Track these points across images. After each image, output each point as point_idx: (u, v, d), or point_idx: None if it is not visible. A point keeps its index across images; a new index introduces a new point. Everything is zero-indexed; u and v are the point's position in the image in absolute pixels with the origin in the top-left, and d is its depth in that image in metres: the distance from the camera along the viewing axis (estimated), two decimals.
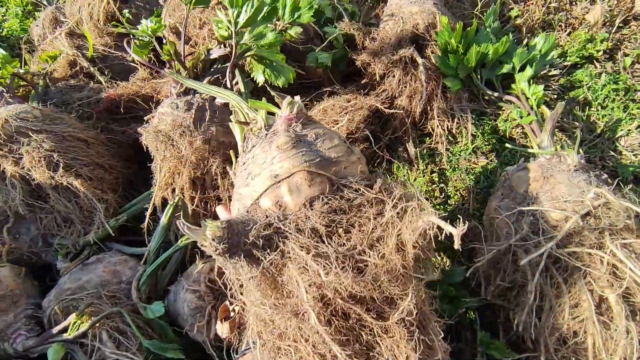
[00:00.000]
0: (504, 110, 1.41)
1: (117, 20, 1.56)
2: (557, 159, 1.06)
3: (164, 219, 1.19)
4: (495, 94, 1.39)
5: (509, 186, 1.06)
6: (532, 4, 1.63)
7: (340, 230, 0.64)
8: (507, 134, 1.37)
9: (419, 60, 1.35)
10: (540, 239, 0.89)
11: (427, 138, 1.42)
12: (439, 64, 1.37)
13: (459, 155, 1.37)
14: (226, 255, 0.59)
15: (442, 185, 1.33)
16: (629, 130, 1.32)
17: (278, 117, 0.77)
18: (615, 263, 0.82)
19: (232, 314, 0.73)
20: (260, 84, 1.21)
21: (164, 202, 1.22)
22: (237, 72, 1.19)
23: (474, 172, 1.33)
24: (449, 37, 1.33)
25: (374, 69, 1.38)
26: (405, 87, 1.37)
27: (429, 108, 1.40)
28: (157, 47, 1.29)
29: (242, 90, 1.19)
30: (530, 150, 1.18)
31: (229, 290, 0.68)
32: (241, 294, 0.66)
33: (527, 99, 1.29)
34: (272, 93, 0.86)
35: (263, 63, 1.19)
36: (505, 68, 1.39)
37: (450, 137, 1.40)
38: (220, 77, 1.29)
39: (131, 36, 1.38)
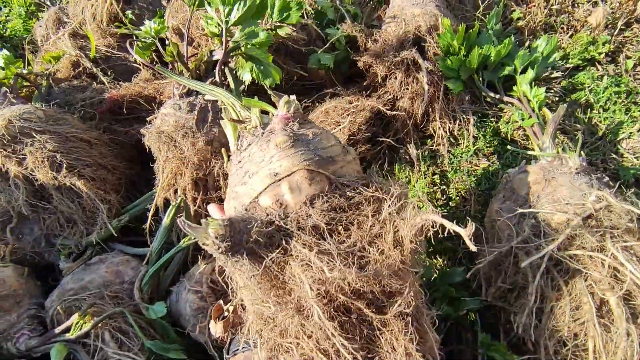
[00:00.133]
0: (505, 112, 1.41)
1: (120, 21, 1.57)
2: (559, 162, 1.06)
3: (166, 220, 1.19)
4: (497, 96, 1.39)
5: (511, 188, 1.06)
6: (534, 6, 1.63)
7: (340, 227, 0.65)
8: (509, 136, 1.37)
9: (421, 62, 1.35)
10: (542, 242, 0.89)
11: (429, 140, 1.43)
12: (441, 66, 1.37)
13: (461, 157, 1.37)
14: (228, 253, 0.59)
15: (443, 187, 1.33)
16: (630, 132, 1.32)
17: (275, 116, 0.78)
18: (616, 266, 0.82)
19: (225, 313, 0.73)
20: (247, 83, 1.20)
21: (167, 202, 1.23)
22: (227, 70, 1.18)
23: (476, 174, 1.33)
24: (451, 39, 1.34)
25: (375, 71, 1.38)
26: (407, 89, 1.37)
27: (430, 110, 1.40)
28: (160, 48, 1.30)
29: (233, 88, 1.18)
30: (531, 153, 1.18)
31: (229, 288, 0.68)
32: (240, 292, 0.66)
33: (529, 101, 1.29)
34: (270, 92, 0.86)
35: (251, 62, 1.18)
36: (507, 70, 1.40)
37: (451, 139, 1.40)
38: (223, 79, 1.30)
39: (134, 37, 1.39)
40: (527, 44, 1.51)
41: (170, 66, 1.30)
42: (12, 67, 1.38)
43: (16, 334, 1.05)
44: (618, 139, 1.32)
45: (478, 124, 1.41)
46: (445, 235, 1.22)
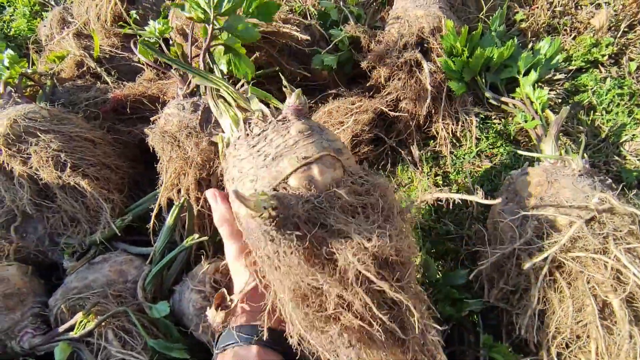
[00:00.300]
0: (508, 114, 1.41)
1: (124, 21, 1.58)
2: (562, 164, 1.07)
3: (169, 220, 1.20)
4: (500, 98, 1.39)
5: (513, 190, 1.07)
6: (538, 7, 1.63)
7: (360, 209, 0.69)
8: (511, 137, 1.38)
9: (424, 63, 1.36)
10: (544, 244, 0.89)
11: (432, 141, 1.43)
12: (443, 67, 1.38)
13: (463, 158, 1.37)
14: (279, 227, 0.61)
15: (445, 188, 1.33)
16: (633, 135, 1.32)
17: (287, 106, 0.80)
18: (619, 268, 0.82)
19: (230, 304, 0.70)
20: (226, 73, 1.18)
21: (170, 202, 1.23)
22: (215, 59, 1.14)
23: (478, 175, 1.33)
24: (454, 41, 1.34)
25: (379, 72, 1.38)
26: (410, 90, 1.38)
27: (433, 111, 1.40)
28: (164, 49, 1.30)
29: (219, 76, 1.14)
30: (534, 155, 1.18)
31: (259, 268, 0.68)
32: (271, 274, 0.65)
33: (532, 103, 1.29)
34: (284, 83, 0.87)
35: (230, 53, 1.16)
36: (510, 72, 1.40)
37: (454, 141, 1.41)
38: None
39: (138, 37, 1.39)
40: (530, 45, 1.51)
41: (173, 66, 1.31)
42: (16, 66, 1.39)
43: (20, 332, 1.06)
44: (621, 141, 1.32)
45: (481, 126, 1.41)
46: (448, 237, 1.23)
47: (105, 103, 1.49)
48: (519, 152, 1.23)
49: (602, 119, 1.38)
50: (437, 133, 1.40)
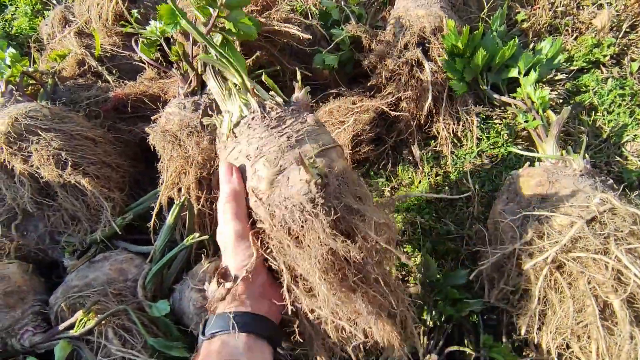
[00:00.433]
0: (509, 114, 1.41)
1: (126, 20, 1.58)
2: (563, 164, 1.06)
3: (170, 218, 1.20)
4: (501, 98, 1.39)
5: (514, 190, 1.06)
6: (539, 7, 1.63)
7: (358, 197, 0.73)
8: (512, 137, 1.37)
9: (425, 63, 1.35)
10: (545, 244, 0.89)
11: (432, 141, 1.43)
12: (445, 67, 1.37)
13: (464, 158, 1.37)
14: (325, 193, 0.63)
15: (446, 188, 1.33)
16: (635, 135, 1.32)
17: (298, 99, 0.83)
18: (620, 268, 0.82)
19: (229, 284, 0.68)
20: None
21: (170, 201, 1.23)
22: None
23: (479, 175, 1.33)
24: (456, 41, 1.34)
25: (380, 72, 1.38)
26: (411, 89, 1.37)
27: (434, 111, 1.40)
28: (165, 47, 1.30)
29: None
30: (535, 155, 1.18)
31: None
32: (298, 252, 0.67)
33: (533, 103, 1.29)
34: (298, 76, 0.89)
35: (226, 46, 1.15)
36: (511, 72, 1.40)
37: (455, 140, 1.40)
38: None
39: (140, 36, 1.39)
40: (531, 46, 1.51)
41: (175, 65, 1.31)
42: (18, 65, 1.39)
43: (20, 330, 1.06)
44: (622, 141, 1.32)
45: (482, 126, 1.41)
46: (449, 238, 1.23)
47: (107, 102, 1.49)
48: (520, 152, 1.22)
49: (604, 119, 1.38)
50: (438, 133, 1.40)
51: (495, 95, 1.40)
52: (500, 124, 1.42)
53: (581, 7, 1.65)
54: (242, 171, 0.75)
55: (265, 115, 0.77)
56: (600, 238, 0.85)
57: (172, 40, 1.42)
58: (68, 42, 1.64)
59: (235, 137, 0.76)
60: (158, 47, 1.36)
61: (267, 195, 0.68)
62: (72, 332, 1.02)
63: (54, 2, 1.96)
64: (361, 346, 0.74)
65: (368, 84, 1.44)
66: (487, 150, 1.37)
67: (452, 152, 1.38)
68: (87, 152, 1.25)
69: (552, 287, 0.89)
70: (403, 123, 1.40)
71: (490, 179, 1.32)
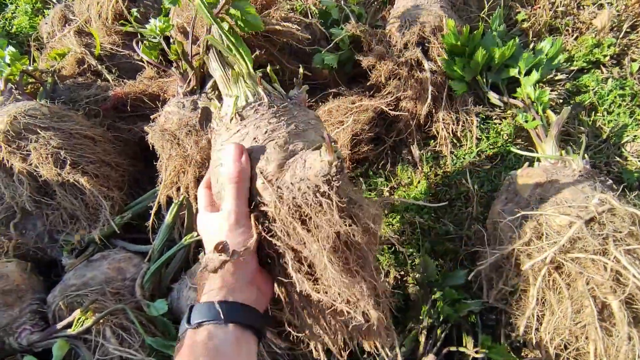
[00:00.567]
0: (509, 114, 1.40)
1: (125, 19, 1.58)
2: (562, 164, 1.06)
3: (168, 217, 1.20)
4: (501, 98, 1.39)
5: (513, 190, 1.06)
6: (539, 7, 1.63)
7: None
8: (512, 137, 1.37)
9: (425, 63, 1.35)
10: (544, 244, 0.89)
11: (432, 141, 1.42)
12: (444, 66, 1.37)
13: (464, 158, 1.37)
14: (342, 175, 0.65)
15: (445, 188, 1.33)
16: (635, 135, 1.31)
17: (297, 95, 0.84)
18: (619, 269, 0.82)
19: (225, 257, 0.68)
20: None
21: (169, 200, 1.23)
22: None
23: (479, 175, 1.33)
24: (455, 40, 1.34)
25: (379, 71, 1.38)
26: (411, 89, 1.37)
27: (434, 111, 1.40)
28: (165, 47, 1.30)
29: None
30: (535, 155, 1.17)
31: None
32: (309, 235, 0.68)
33: (533, 103, 1.28)
34: (300, 73, 0.91)
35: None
36: (511, 72, 1.39)
37: (454, 140, 1.40)
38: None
39: (139, 35, 1.39)
40: (531, 45, 1.51)
41: (174, 64, 1.31)
42: (17, 63, 1.39)
43: (18, 328, 1.06)
44: (622, 142, 1.32)
45: (481, 126, 1.41)
46: (447, 238, 1.23)
47: (106, 101, 1.49)
48: (520, 152, 1.22)
49: (604, 119, 1.37)
50: (438, 133, 1.39)
51: (495, 95, 1.39)
52: (500, 124, 1.42)
53: (581, 7, 1.64)
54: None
55: (272, 103, 0.78)
56: (599, 239, 0.84)
57: (171, 39, 1.42)
58: (68, 40, 1.64)
59: (242, 120, 0.76)
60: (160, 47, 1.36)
61: (276, 177, 0.69)
62: (69, 331, 1.02)
63: (54, 0, 1.96)
64: (355, 347, 0.74)
65: (367, 84, 1.44)
66: (486, 150, 1.37)
67: (451, 152, 1.38)
68: (86, 151, 1.25)
69: (551, 288, 0.89)
70: (402, 123, 1.40)
71: (490, 179, 1.32)
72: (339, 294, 0.65)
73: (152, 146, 1.24)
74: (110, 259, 1.18)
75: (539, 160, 1.15)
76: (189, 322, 0.64)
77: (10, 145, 1.17)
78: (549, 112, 1.25)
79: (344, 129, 1.31)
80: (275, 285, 0.74)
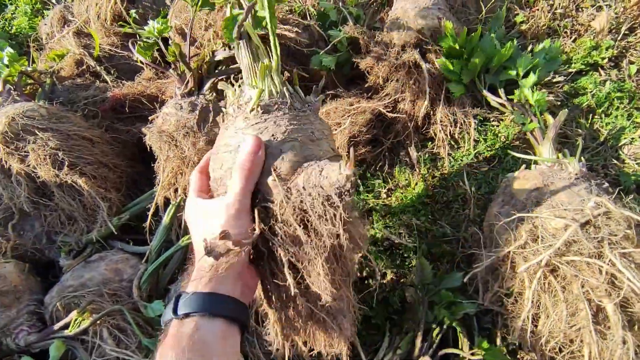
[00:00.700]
0: (507, 116, 1.40)
1: (124, 20, 1.58)
2: (559, 167, 1.06)
3: (166, 219, 1.20)
4: (499, 100, 1.39)
5: (510, 193, 1.06)
6: (538, 10, 1.63)
7: None
8: (510, 140, 1.37)
9: (423, 64, 1.35)
10: (539, 247, 0.89)
11: (430, 142, 1.42)
12: (442, 69, 1.37)
13: (461, 160, 1.37)
14: (354, 189, 0.67)
15: (443, 190, 1.33)
16: (632, 138, 1.31)
17: (314, 102, 0.85)
18: (614, 272, 0.82)
19: (218, 242, 0.68)
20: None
21: (167, 201, 1.23)
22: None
23: (476, 177, 1.33)
24: (453, 43, 1.34)
25: (377, 73, 1.38)
26: (409, 91, 1.37)
27: (431, 113, 1.40)
28: (163, 48, 1.30)
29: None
30: (531, 157, 1.18)
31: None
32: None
33: (531, 105, 1.28)
34: (321, 84, 0.97)
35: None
36: (509, 74, 1.39)
37: (452, 142, 1.40)
38: (225, 79, 1.31)
39: (137, 36, 1.39)
40: (530, 47, 1.51)
41: (172, 66, 1.31)
42: (16, 64, 1.39)
43: (16, 329, 1.06)
44: (620, 144, 1.32)
45: (479, 128, 1.41)
46: (445, 240, 1.23)
47: (104, 102, 1.49)
48: (516, 155, 1.22)
49: (601, 122, 1.37)
50: (435, 135, 1.39)
51: (493, 97, 1.39)
52: (497, 126, 1.42)
53: (580, 9, 1.64)
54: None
55: (293, 105, 0.79)
56: (594, 242, 0.85)
57: (170, 40, 1.42)
58: (67, 41, 1.65)
59: (263, 113, 0.76)
60: (156, 48, 1.36)
61: (288, 177, 0.69)
62: (66, 332, 1.02)
63: (54, 1, 1.97)
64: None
65: (365, 86, 1.44)
66: (484, 152, 1.37)
67: (449, 154, 1.38)
68: (84, 152, 1.26)
69: (546, 291, 0.89)
70: (400, 125, 1.40)
71: (487, 181, 1.32)
72: (320, 301, 0.66)
73: (150, 147, 1.24)
74: (108, 260, 1.19)
75: (536, 162, 1.16)
76: (175, 312, 0.63)
77: (9, 146, 1.18)
78: (547, 114, 1.25)
79: (342, 131, 1.32)
80: (259, 281, 0.75)
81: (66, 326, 1.03)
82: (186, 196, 1.20)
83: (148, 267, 1.15)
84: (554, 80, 1.46)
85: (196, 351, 0.59)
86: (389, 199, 1.35)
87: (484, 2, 1.60)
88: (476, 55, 1.34)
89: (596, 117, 1.39)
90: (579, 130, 1.36)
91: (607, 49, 1.48)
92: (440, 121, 1.38)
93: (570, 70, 1.49)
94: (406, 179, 1.37)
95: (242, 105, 0.79)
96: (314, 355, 0.83)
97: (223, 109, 0.84)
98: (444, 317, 1.03)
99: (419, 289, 1.11)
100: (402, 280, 1.19)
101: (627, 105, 1.38)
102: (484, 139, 1.39)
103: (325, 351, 0.76)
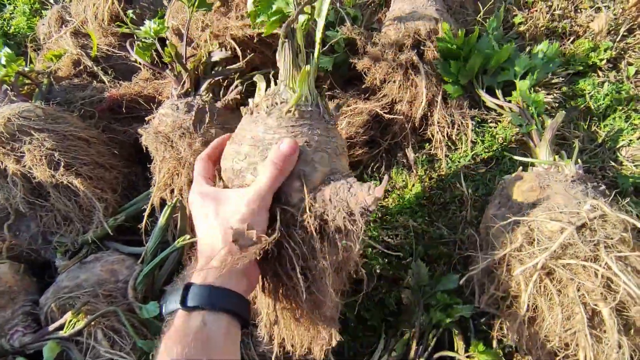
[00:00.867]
0: (504, 117, 1.40)
1: (122, 21, 1.58)
2: (555, 169, 1.06)
3: (161, 220, 1.20)
4: (496, 101, 1.38)
5: (506, 195, 1.06)
6: (536, 11, 1.62)
7: None
8: (507, 141, 1.37)
9: (420, 66, 1.35)
10: (535, 250, 0.88)
11: (427, 144, 1.42)
12: (440, 70, 1.37)
13: (458, 161, 1.36)
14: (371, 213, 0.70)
15: (440, 191, 1.32)
16: (630, 140, 1.31)
17: (335, 115, 0.86)
18: (610, 276, 0.81)
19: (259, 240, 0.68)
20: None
21: (163, 202, 1.23)
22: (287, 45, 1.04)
23: (473, 179, 1.33)
24: (451, 44, 1.33)
25: (374, 74, 1.38)
26: (406, 92, 1.37)
27: (429, 114, 1.39)
28: (159, 49, 1.30)
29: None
30: (528, 160, 1.17)
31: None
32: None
33: (528, 107, 1.28)
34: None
35: None
36: (507, 75, 1.39)
37: (449, 144, 1.40)
38: (221, 80, 1.30)
39: (134, 37, 1.39)
40: (528, 49, 1.50)
41: (169, 66, 1.31)
42: (13, 65, 1.39)
43: (10, 330, 1.06)
44: (617, 146, 1.31)
45: (477, 129, 1.40)
46: (441, 242, 1.23)
47: (101, 102, 1.49)
48: (513, 157, 1.21)
49: (599, 123, 1.37)
50: (433, 136, 1.39)
51: (491, 99, 1.39)
52: (495, 127, 1.41)
53: (579, 10, 1.64)
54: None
55: (323, 116, 0.81)
56: (590, 245, 0.84)
57: (167, 41, 1.42)
58: (64, 42, 1.64)
59: (299, 118, 0.76)
60: (154, 48, 1.36)
61: (315, 186, 0.71)
62: (61, 333, 1.02)
63: (52, 1, 1.96)
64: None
65: (362, 87, 1.44)
66: (481, 154, 1.37)
67: (446, 156, 1.38)
68: (80, 152, 1.26)
69: (542, 294, 0.88)
70: (397, 126, 1.40)
71: (484, 182, 1.31)
72: (321, 307, 0.70)
73: (147, 148, 1.24)
74: (104, 260, 1.18)
75: (533, 164, 1.15)
76: (183, 303, 0.62)
77: (4, 146, 1.17)
78: (545, 116, 1.25)
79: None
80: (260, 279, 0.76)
81: (61, 327, 1.03)
82: (182, 197, 1.20)
83: (143, 268, 1.14)
84: (552, 81, 1.46)
85: (201, 347, 0.59)
86: (386, 200, 1.34)
87: (482, 3, 1.60)
88: (474, 56, 1.34)
89: (594, 118, 1.38)
90: (577, 132, 1.36)
91: (605, 50, 1.48)
92: (438, 122, 1.38)
93: (568, 71, 1.48)
94: (403, 181, 1.37)
95: (276, 103, 0.78)
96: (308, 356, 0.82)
97: (250, 101, 0.83)
98: (439, 319, 1.03)
99: (415, 290, 1.11)
100: (399, 282, 1.18)
101: (625, 107, 1.37)
102: (482, 140, 1.39)
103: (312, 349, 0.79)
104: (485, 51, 1.36)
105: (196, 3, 1.22)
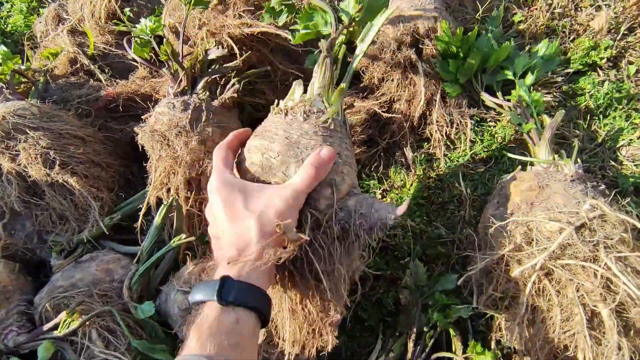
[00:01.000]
0: (503, 116, 1.39)
1: (118, 19, 1.57)
2: (554, 168, 1.05)
3: (157, 219, 1.19)
4: (496, 100, 1.37)
5: (505, 195, 1.05)
6: (536, 9, 1.61)
7: None
8: (506, 140, 1.36)
9: (419, 64, 1.34)
10: (534, 250, 0.87)
11: (426, 143, 1.41)
12: (438, 68, 1.36)
13: (457, 161, 1.35)
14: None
15: (439, 191, 1.31)
16: (630, 139, 1.30)
17: (345, 122, 0.90)
18: (609, 277, 0.81)
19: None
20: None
21: (159, 201, 1.22)
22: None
23: (472, 178, 1.32)
24: (449, 42, 1.32)
25: (372, 72, 1.37)
26: (404, 91, 1.36)
27: (427, 113, 1.38)
28: (156, 47, 1.29)
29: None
30: (527, 159, 1.16)
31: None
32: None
33: (528, 106, 1.27)
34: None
35: None
36: (506, 74, 1.38)
37: (448, 143, 1.39)
38: (218, 79, 1.29)
39: (132, 35, 1.38)
40: (527, 47, 1.49)
41: (165, 65, 1.30)
42: (9, 63, 1.38)
43: (5, 330, 1.05)
44: (618, 145, 1.30)
45: (475, 128, 1.39)
46: (440, 242, 1.22)
47: (98, 100, 1.48)
48: (512, 156, 1.21)
49: (599, 123, 1.36)
50: (431, 135, 1.38)
51: (490, 98, 1.38)
52: (494, 126, 1.40)
53: (579, 9, 1.63)
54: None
55: (349, 132, 0.87)
56: (589, 245, 0.83)
57: (164, 39, 1.41)
58: (61, 40, 1.63)
59: (332, 129, 0.81)
60: (150, 46, 1.35)
61: (341, 196, 0.75)
62: (56, 333, 1.01)
63: None
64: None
65: (360, 85, 1.43)
66: (480, 153, 1.36)
67: (445, 155, 1.37)
68: (76, 151, 1.25)
69: (541, 295, 0.87)
70: (396, 125, 1.39)
71: (483, 182, 1.30)
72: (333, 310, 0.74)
73: (143, 147, 1.23)
74: (99, 260, 1.17)
75: (532, 164, 1.14)
76: (220, 297, 0.61)
77: None
78: (544, 115, 1.24)
79: None
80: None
81: (55, 327, 1.02)
82: (178, 196, 1.19)
83: (139, 267, 1.13)
84: (552, 80, 1.45)
85: (233, 344, 0.59)
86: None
87: (481, 1, 1.59)
88: (473, 55, 1.33)
89: (594, 118, 1.37)
90: (577, 132, 1.35)
91: (605, 49, 1.47)
92: (437, 121, 1.37)
93: (568, 70, 1.47)
94: (401, 180, 1.36)
95: (313, 112, 0.82)
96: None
97: (281, 102, 0.87)
98: (437, 319, 1.02)
99: (413, 291, 1.10)
100: (397, 282, 1.17)
101: (625, 106, 1.36)
102: (481, 139, 1.38)
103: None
104: (484, 50, 1.35)
105: (193, 1, 1.21)
